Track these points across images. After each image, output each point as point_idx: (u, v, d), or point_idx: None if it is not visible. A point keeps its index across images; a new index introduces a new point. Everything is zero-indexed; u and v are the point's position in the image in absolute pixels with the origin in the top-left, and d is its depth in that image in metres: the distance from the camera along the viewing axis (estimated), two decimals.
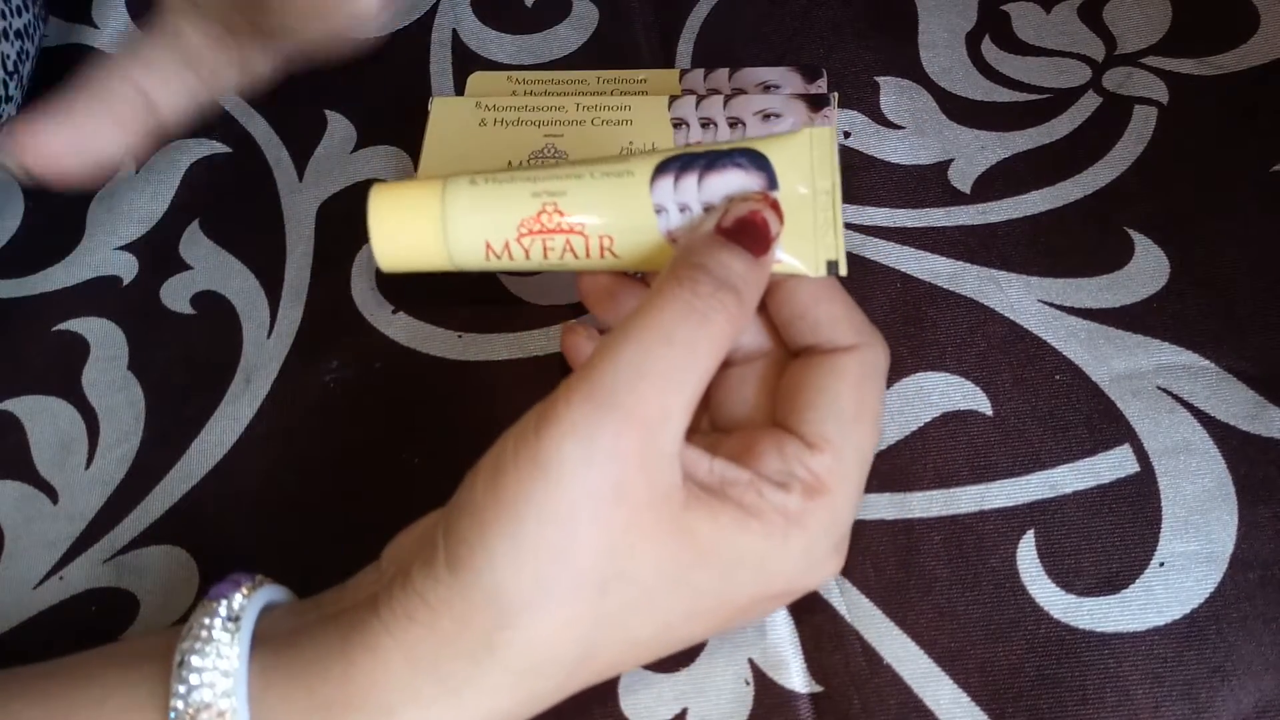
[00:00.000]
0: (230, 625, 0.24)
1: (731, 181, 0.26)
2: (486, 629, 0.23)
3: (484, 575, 0.23)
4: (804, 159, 0.26)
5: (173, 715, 0.23)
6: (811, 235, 0.26)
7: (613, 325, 0.28)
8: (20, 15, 0.41)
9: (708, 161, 0.26)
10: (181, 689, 0.23)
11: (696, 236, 0.26)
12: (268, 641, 0.25)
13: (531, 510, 0.23)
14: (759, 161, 0.26)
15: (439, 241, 0.27)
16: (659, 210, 0.26)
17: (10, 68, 0.41)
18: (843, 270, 0.27)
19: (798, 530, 0.25)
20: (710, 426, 0.30)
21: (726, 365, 0.29)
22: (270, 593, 0.27)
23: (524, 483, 0.23)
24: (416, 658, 0.24)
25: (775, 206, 0.26)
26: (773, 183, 0.26)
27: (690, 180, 0.26)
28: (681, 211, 0.26)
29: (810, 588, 0.28)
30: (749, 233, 0.26)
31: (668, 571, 0.24)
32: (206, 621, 0.24)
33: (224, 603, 0.25)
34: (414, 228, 0.27)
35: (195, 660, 0.24)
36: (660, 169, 0.26)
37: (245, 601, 0.25)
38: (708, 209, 0.26)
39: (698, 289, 0.24)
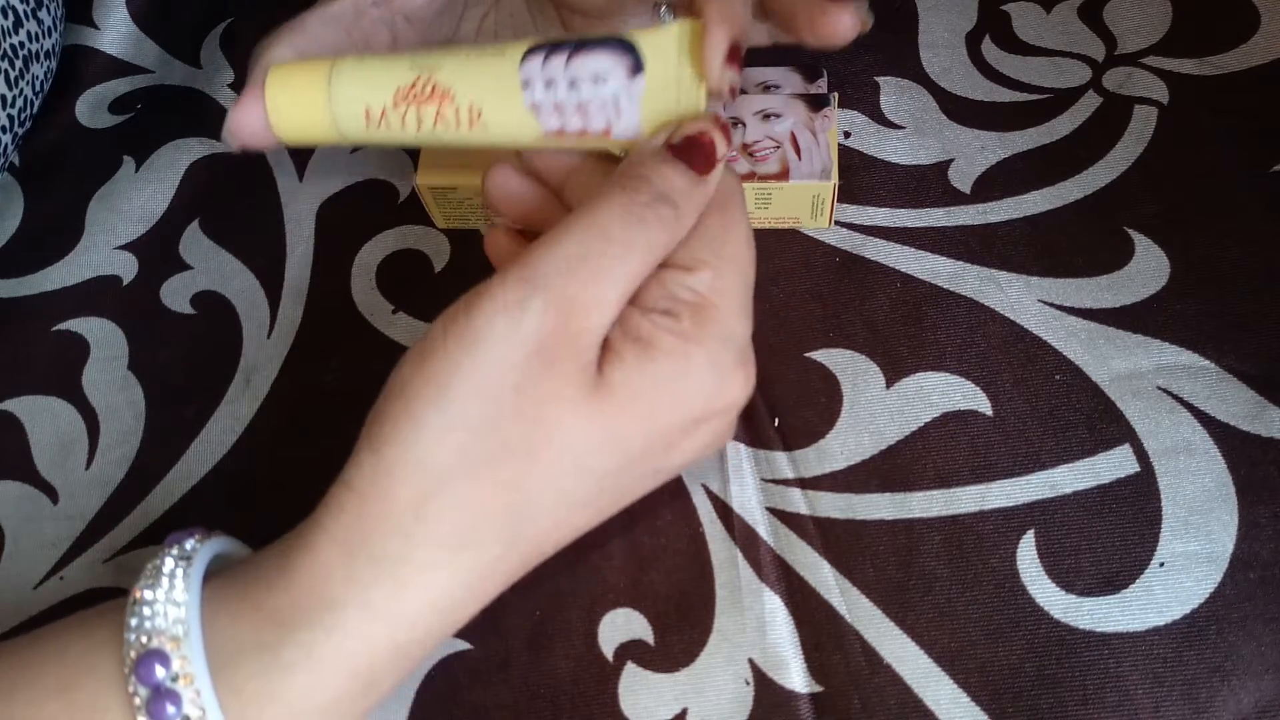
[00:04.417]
0: (183, 563, 0.25)
1: (598, 61, 0.27)
2: (413, 500, 0.24)
3: (408, 448, 0.24)
4: (671, 46, 0.27)
5: (126, 648, 0.24)
6: (675, 115, 0.28)
7: None
8: (49, 36, 0.42)
9: (577, 45, 0.27)
10: (134, 621, 0.24)
11: (644, 149, 0.27)
12: (221, 577, 0.26)
13: (460, 382, 0.24)
14: (626, 47, 0.27)
15: (324, 108, 0.28)
16: (526, 84, 0.27)
17: (38, 87, 0.42)
18: None
19: (696, 347, 0.26)
20: None
21: None
22: (227, 544, 0.27)
23: (453, 357, 0.24)
24: (350, 544, 0.24)
25: (725, 129, 0.27)
26: (639, 65, 0.27)
27: (559, 59, 0.27)
28: (547, 86, 0.27)
29: (727, 406, 0.28)
30: (695, 151, 0.27)
31: (595, 431, 0.25)
32: (158, 562, 0.25)
33: (177, 546, 0.26)
34: (303, 97, 0.28)
35: (148, 594, 0.24)
36: (532, 50, 0.28)
37: (198, 545, 0.26)
38: (572, 84, 0.27)
39: (637, 196, 0.26)
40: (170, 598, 0.24)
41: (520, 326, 0.24)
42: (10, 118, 0.40)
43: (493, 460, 0.24)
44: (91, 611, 0.26)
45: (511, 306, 0.24)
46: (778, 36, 0.32)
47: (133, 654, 0.24)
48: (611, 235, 0.25)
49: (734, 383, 0.27)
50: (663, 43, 0.27)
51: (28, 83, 0.41)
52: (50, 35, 0.43)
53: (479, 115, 0.28)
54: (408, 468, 0.24)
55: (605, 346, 0.26)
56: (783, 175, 0.35)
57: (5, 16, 0.40)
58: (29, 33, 0.41)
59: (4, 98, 0.40)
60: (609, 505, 0.28)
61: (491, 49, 0.28)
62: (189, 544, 0.26)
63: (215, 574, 0.26)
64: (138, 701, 0.23)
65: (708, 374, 0.26)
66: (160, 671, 0.23)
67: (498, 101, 0.28)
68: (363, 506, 0.24)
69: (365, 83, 0.28)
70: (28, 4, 0.41)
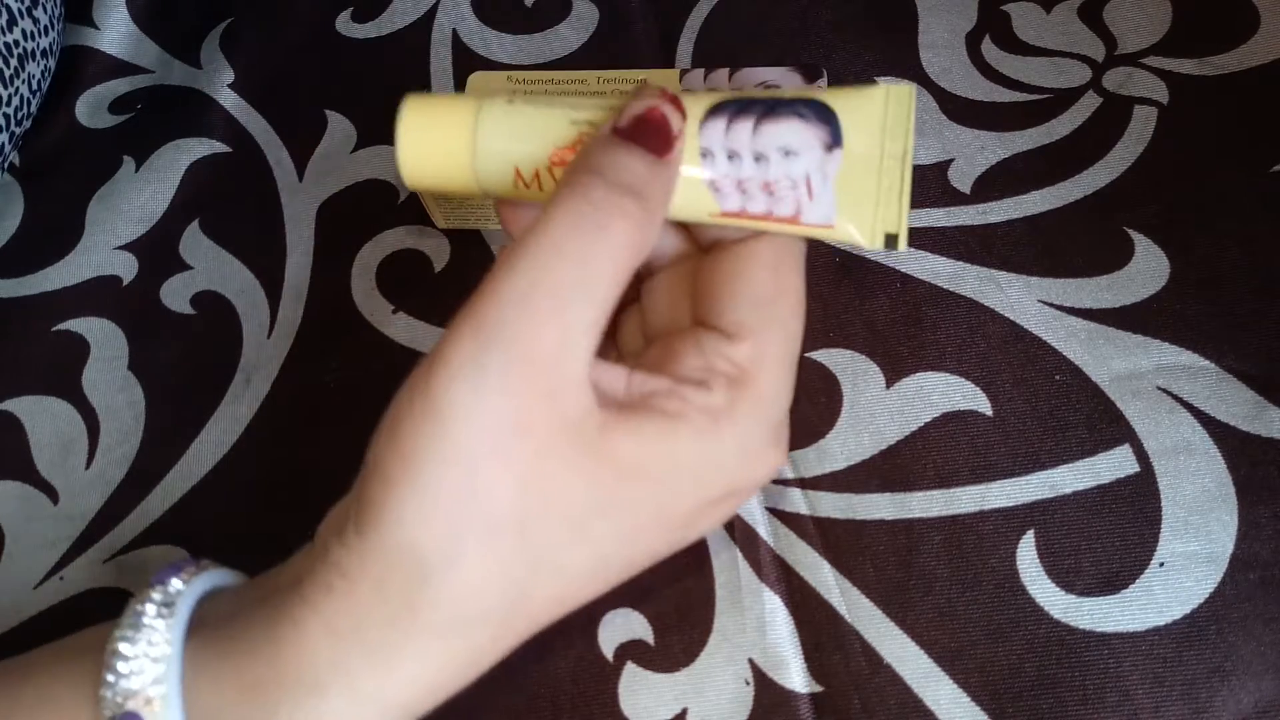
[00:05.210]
0: (165, 611, 0.24)
1: (790, 132, 0.23)
2: (405, 591, 0.22)
3: (394, 533, 0.22)
4: (875, 117, 0.23)
5: (103, 705, 0.23)
6: (873, 203, 0.24)
7: None
8: (46, 34, 0.42)
9: (766, 108, 0.24)
10: (110, 678, 0.23)
11: (592, 142, 0.24)
12: (205, 626, 0.24)
13: (430, 459, 0.22)
14: (824, 115, 0.23)
15: (467, 162, 0.25)
16: (705, 154, 0.24)
17: (34, 86, 0.42)
18: (902, 245, 0.24)
19: (728, 426, 0.24)
20: (643, 339, 0.28)
21: (652, 273, 0.28)
22: (214, 577, 0.26)
23: (420, 433, 0.22)
24: (338, 629, 0.23)
25: (676, 102, 0.24)
26: (836, 139, 0.23)
27: (744, 125, 0.24)
28: (730, 159, 0.24)
29: (753, 485, 0.26)
30: (648, 131, 0.23)
31: (590, 499, 0.23)
32: (139, 609, 0.24)
33: (160, 589, 0.24)
34: (443, 145, 0.25)
35: (125, 648, 0.23)
36: (714, 110, 0.24)
37: (183, 587, 0.24)
38: (759, 159, 0.24)
39: (590, 194, 0.22)
40: (149, 653, 0.23)
41: (481, 391, 0.22)
42: (6, 116, 0.40)
43: (483, 539, 0.22)
44: (72, 646, 0.25)
45: (467, 370, 0.22)
46: None
47: (108, 714, 0.23)
48: (566, 252, 0.22)
49: (762, 464, 0.25)
50: (866, 109, 0.23)
51: (24, 81, 0.41)
52: (47, 34, 0.43)
53: None
54: (396, 555, 0.22)
55: (626, 420, 0.23)
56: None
57: None
58: (24, 31, 0.41)
59: None
60: (614, 578, 0.25)
61: None
62: (173, 585, 0.24)
63: (202, 615, 0.24)
64: None
65: (734, 455, 0.24)
66: None
67: None
68: (351, 590, 0.23)
69: (517, 136, 0.25)
70: (23, 2, 0.41)
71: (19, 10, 0.41)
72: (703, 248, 0.27)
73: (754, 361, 0.24)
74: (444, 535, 0.22)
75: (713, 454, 0.24)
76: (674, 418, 0.23)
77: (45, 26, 0.43)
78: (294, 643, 0.23)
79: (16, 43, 0.41)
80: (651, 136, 0.23)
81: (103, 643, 0.24)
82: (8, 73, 0.40)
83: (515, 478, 0.22)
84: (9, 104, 0.40)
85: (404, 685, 0.23)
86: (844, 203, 0.24)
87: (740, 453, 0.25)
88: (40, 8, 0.42)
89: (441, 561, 0.22)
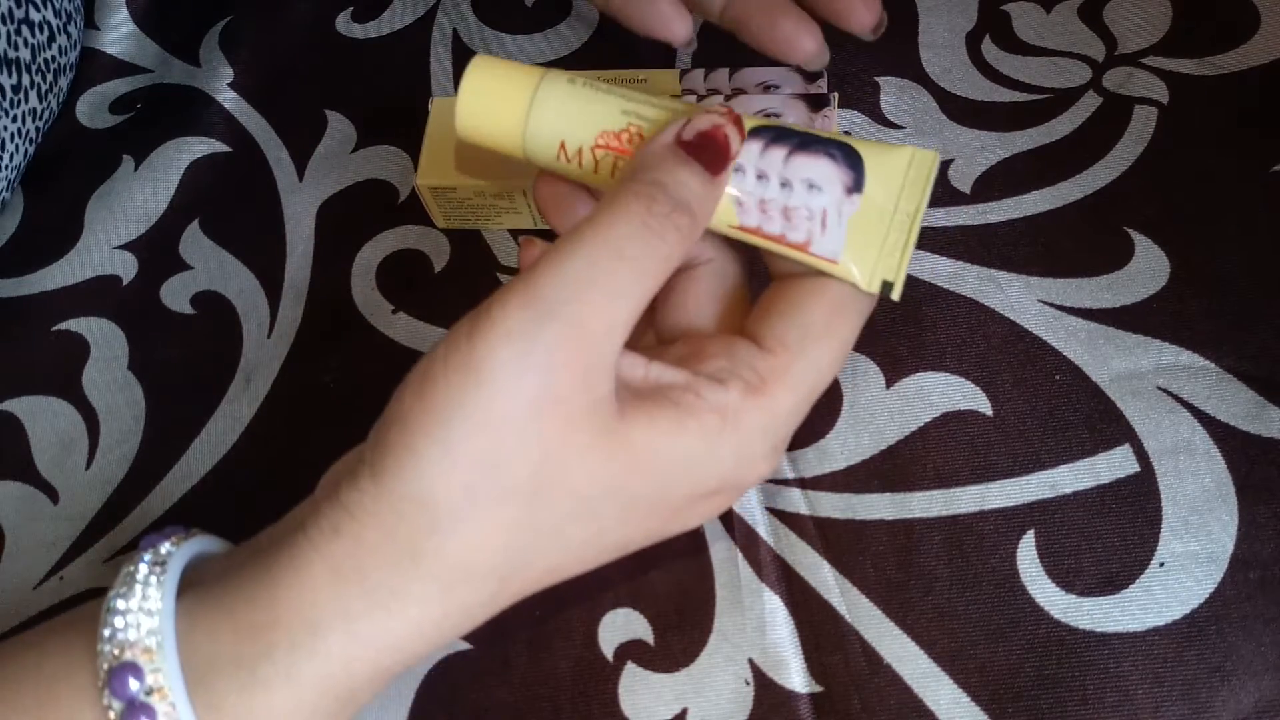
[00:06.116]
0: (157, 569, 0.24)
1: (818, 167, 0.25)
2: (413, 537, 0.23)
3: (411, 483, 0.23)
4: (897, 175, 0.26)
5: (100, 659, 0.23)
6: (877, 250, 0.26)
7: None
8: (75, 48, 0.44)
9: (801, 141, 0.26)
10: (106, 632, 0.23)
11: (655, 146, 0.25)
12: (198, 584, 0.25)
13: (463, 417, 0.23)
14: (852, 160, 0.25)
15: (518, 126, 0.27)
16: (737, 169, 0.26)
17: (62, 99, 0.44)
18: (897, 294, 0.26)
19: (732, 428, 0.25)
20: (653, 334, 0.30)
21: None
22: (203, 543, 0.26)
23: (455, 389, 0.23)
24: (342, 571, 0.23)
25: (739, 124, 0.26)
26: (858, 185, 0.25)
27: (778, 152, 0.25)
28: (759, 179, 0.26)
29: (743, 487, 0.27)
30: (709, 149, 0.25)
31: (602, 480, 0.24)
32: (132, 569, 0.24)
33: (150, 551, 0.25)
34: (501, 105, 0.27)
35: (120, 604, 0.23)
36: (753, 132, 0.26)
37: (173, 549, 0.25)
38: (784, 185, 0.25)
39: (654, 207, 0.24)
40: (143, 607, 0.23)
41: (527, 359, 0.23)
42: (37, 129, 0.41)
43: (496, 501, 0.23)
44: (68, 617, 0.25)
45: (516, 336, 0.23)
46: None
47: (106, 666, 0.23)
48: (625, 254, 0.24)
49: (753, 471, 0.27)
50: (890, 165, 0.26)
51: (55, 95, 0.42)
52: (76, 48, 0.44)
53: None
54: (409, 504, 0.23)
55: (640, 409, 0.24)
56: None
57: (41, 32, 0.41)
58: (60, 46, 0.42)
59: (34, 110, 0.41)
60: (606, 556, 0.27)
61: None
62: (163, 548, 0.25)
63: (192, 578, 0.25)
64: (112, 715, 0.23)
65: (732, 457, 0.25)
66: (134, 684, 0.23)
67: None
68: (359, 533, 0.23)
69: (571, 115, 0.26)
70: (60, 18, 0.42)
71: (57, 26, 0.42)
72: (773, 276, 0.28)
73: (777, 376, 0.25)
74: (459, 493, 0.23)
75: (713, 453, 0.25)
76: (686, 411, 0.25)
77: (75, 41, 0.44)
78: (294, 583, 0.24)
79: (54, 58, 0.41)
80: (711, 155, 0.25)
81: (97, 609, 0.24)
82: (44, 87, 0.41)
83: (538, 450, 0.23)
84: (40, 118, 0.41)
85: (401, 629, 0.24)
86: (852, 243, 0.26)
87: (736, 457, 0.26)
88: (72, 23, 0.43)
89: (451, 516, 0.23)
